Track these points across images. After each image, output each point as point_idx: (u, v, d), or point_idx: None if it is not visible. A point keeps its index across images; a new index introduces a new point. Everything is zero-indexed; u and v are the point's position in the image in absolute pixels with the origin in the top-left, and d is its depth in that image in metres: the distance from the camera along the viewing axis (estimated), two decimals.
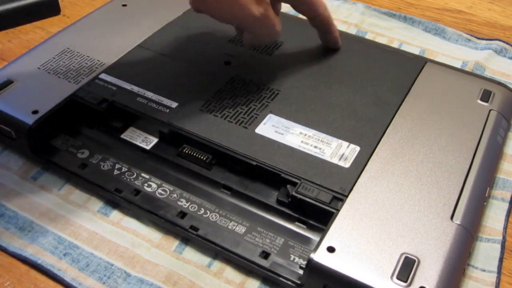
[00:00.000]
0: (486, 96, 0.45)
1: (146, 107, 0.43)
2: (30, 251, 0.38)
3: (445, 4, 0.65)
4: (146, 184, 0.41)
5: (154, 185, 0.41)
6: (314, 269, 0.33)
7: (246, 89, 0.45)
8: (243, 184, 0.40)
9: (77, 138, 0.44)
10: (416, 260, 0.33)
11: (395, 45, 0.57)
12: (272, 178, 0.39)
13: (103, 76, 0.46)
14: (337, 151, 0.40)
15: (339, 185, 0.37)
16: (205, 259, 0.37)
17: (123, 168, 0.42)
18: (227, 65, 0.48)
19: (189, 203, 0.39)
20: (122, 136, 0.44)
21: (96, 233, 0.39)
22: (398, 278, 0.32)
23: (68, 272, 0.36)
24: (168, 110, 0.43)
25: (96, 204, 0.41)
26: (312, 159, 0.39)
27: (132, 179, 0.41)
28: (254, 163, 0.39)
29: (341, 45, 0.51)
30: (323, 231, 0.35)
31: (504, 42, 0.58)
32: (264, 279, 0.36)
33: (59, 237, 0.39)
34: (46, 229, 0.39)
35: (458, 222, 0.35)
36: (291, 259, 0.36)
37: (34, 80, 0.45)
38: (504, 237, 0.39)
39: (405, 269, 0.32)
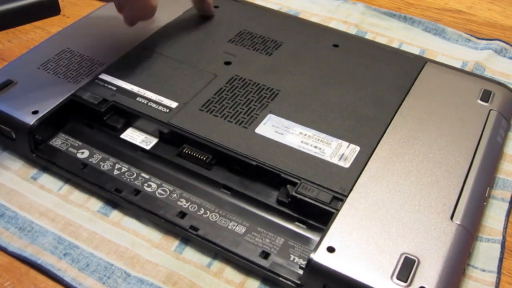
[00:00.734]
0: (486, 96, 0.45)
1: (146, 107, 0.43)
2: (30, 251, 0.38)
3: (445, 4, 0.65)
4: (146, 184, 0.41)
5: (154, 185, 0.41)
6: (314, 269, 0.33)
7: (246, 89, 0.45)
8: (243, 184, 0.40)
9: (77, 138, 0.44)
10: (416, 260, 0.33)
11: (395, 45, 0.57)
12: (272, 178, 0.39)
13: (103, 76, 0.46)
14: (337, 151, 0.40)
15: (339, 185, 0.37)
16: (205, 259, 0.37)
17: (123, 168, 0.42)
18: (227, 65, 0.48)
19: (189, 203, 0.39)
20: (122, 136, 0.44)
21: (96, 233, 0.39)
22: (398, 278, 0.32)
23: (68, 272, 0.36)
24: (168, 110, 0.43)
25: (96, 204, 0.41)
26: (312, 159, 0.39)
27: (132, 179, 0.41)
28: (254, 163, 0.39)
29: (341, 45, 0.51)
30: (323, 231, 0.35)
31: (504, 42, 0.58)
32: (264, 279, 0.36)
33: (59, 237, 0.39)
34: (46, 229, 0.39)
35: (458, 222, 0.35)
36: (291, 259, 0.36)
37: (34, 80, 0.45)
38: (504, 237, 0.39)
39: (405, 269, 0.32)
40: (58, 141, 0.44)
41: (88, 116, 0.44)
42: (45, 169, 0.43)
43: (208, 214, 0.39)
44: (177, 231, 0.38)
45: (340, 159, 0.39)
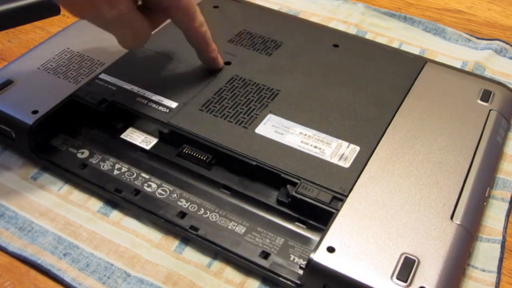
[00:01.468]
0: (486, 96, 0.45)
1: (146, 107, 0.43)
2: (30, 251, 0.38)
3: (445, 4, 0.65)
4: (146, 184, 0.41)
5: (154, 185, 0.41)
6: (314, 269, 0.33)
7: (246, 89, 0.45)
8: (243, 184, 0.40)
9: (77, 138, 0.44)
10: (416, 260, 0.33)
11: (395, 45, 0.57)
12: (272, 178, 0.39)
13: (103, 76, 0.46)
14: (337, 151, 0.40)
15: (339, 185, 0.37)
16: (205, 259, 0.37)
17: (123, 168, 0.42)
18: (227, 65, 0.48)
19: (189, 203, 0.39)
20: (122, 136, 0.44)
21: (96, 233, 0.39)
22: (398, 278, 0.32)
23: (68, 272, 0.36)
24: (168, 110, 0.43)
25: (96, 204, 0.41)
26: (312, 159, 0.39)
27: (132, 179, 0.41)
28: (254, 163, 0.39)
29: (341, 45, 0.51)
30: (323, 231, 0.35)
31: (504, 42, 0.58)
32: (264, 279, 0.36)
33: (59, 237, 0.39)
34: (46, 229, 0.39)
35: (458, 222, 0.35)
36: (291, 259, 0.36)
37: (34, 80, 0.45)
38: (504, 237, 0.39)
39: (405, 269, 0.32)
40: (58, 141, 0.44)
41: (88, 116, 0.44)
42: (45, 169, 0.43)
43: (208, 214, 0.39)
44: (177, 231, 0.38)
45: (340, 159, 0.39)
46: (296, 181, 0.38)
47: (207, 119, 0.42)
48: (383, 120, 0.42)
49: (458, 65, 0.54)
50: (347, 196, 0.36)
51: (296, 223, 0.38)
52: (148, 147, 0.43)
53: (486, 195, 0.39)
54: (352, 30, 0.59)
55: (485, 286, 0.36)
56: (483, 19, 0.62)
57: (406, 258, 0.33)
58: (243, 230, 0.38)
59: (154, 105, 0.43)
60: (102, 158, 0.42)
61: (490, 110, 0.44)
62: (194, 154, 0.41)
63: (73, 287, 0.36)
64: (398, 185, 0.37)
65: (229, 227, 0.38)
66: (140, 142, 0.43)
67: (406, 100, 0.44)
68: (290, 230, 0.38)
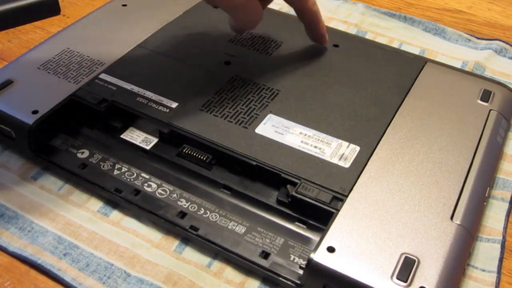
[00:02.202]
0: (486, 96, 0.45)
1: (146, 107, 0.43)
2: (30, 251, 0.38)
3: (445, 4, 0.65)
4: (146, 184, 0.41)
5: (154, 185, 0.41)
6: (314, 269, 0.33)
7: (246, 89, 0.45)
8: (243, 184, 0.40)
9: (77, 138, 0.44)
10: (416, 260, 0.33)
11: (395, 45, 0.57)
12: (272, 178, 0.39)
13: (103, 76, 0.46)
14: (337, 151, 0.40)
15: (339, 185, 0.37)
16: (205, 259, 0.37)
17: (123, 168, 0.42)
18: (227, 65, 0.48)
19: (189, 203, 0.39)
20: (122, 136, 0.44)
21: (96, 233, 0.39)
22: (398, 278, 0.32)
23: (68, 272, 0.36)
24: (168, 110, 0.43)
25: (96, 204, 0.41)
26: (312, 159, 0.39)
27: (132, 179, 0.41)
28: (254, 163, 0.39)
29: (341, 45, 0.51)
30: (323, 231, 0.35)
31: (504, 42, 0.58)
32: (264, 279, 0.36)
33: (59, 237, 0.39)
34: (46, 229, 0.39)
35: (458, 222, 0.35)
36: (291, 259, 0.36)
37: (34, 80, 0.45)
38: (504, 237, 0.39)
39: (405, 269, 0.32)
40: (58, 141, 0.44)
41: (88, 116, 0.44)
42: (45, 169, 0.43)
43: (208, 214, 0.39)
44: (177, 231, 0.38)
45: (340, 159, 0.39)
46: (296, 181, 0.38)
47: (207, 119, 0.42)
48: (383, 120, 0.42)
49: (458, 65, 0.54)
50: (347, 196, 0.36)
51: (296, 223, 0.38)
52: (148, 147, 0.43)
53: (486, 195, 0.39)
54: (352, 30, 0.59)
55: (485, 286, 0.36)
56: (483, 19, 0.62)
57: (406, 258, 0.33)
58: (243, 230, 0.38)
59: (154, 105, 0.43)
60: (102, 158, 0.42)
61: (490, 110, 0.44)
62: (194, 154, 0.41)
63: (73, 287, 0.36)
64: (398, 185, 0.37)
65: (229, 227, 0.38)
66: (140, 142, 0.43)
67: (406, 100, 0.44)
68: (290, 230, 0.38)
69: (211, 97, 0.44)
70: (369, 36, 0.59)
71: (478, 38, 0.58)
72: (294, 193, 0.37)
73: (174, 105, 0.43)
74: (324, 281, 0.33)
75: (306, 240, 0.37)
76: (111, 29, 0.51)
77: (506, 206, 0.42)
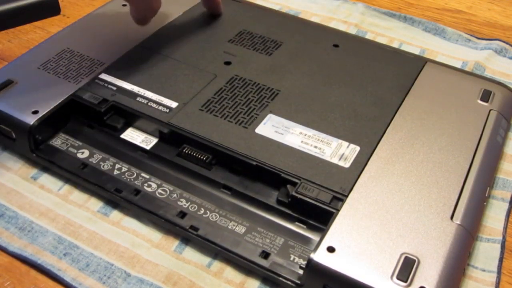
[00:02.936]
0: (486, 96, 0.45)
1: (146, 107, 0.43)
2: (30, 251, 0.38)
3: (445, 4, 0.65)
4: (146, 184, 0.41)
5: (154, 185, 0.41)
6: (314, 269, 0.33)
7: (246, 89, 0.45)
8: (243, 184, 0.40)
9: (77, 138, 0.44)
10: (416, 260, 0.33)
11: (395, 45, 0.57)
12: (272, 178, 0.39)
13: (103, 76, 0.46)
14: (337, 151, 0.40)
15: (339, 185, 0.37)
16: (205, 259, 0.37)
17: (123, 168, 0.42)
18: (227, 65, 0.48)
19: (189, 203, 0.39)
20: (122, 136, 0.44)
21: (96, 233, 0.39)
22: (398, 278, 0.32)
23: (68, 272, 0.36)
24: (168, 110, 0.43)
25: (96, 204, 0.41)
26: (312, 159, 0.39)
27: (132, 179, 0.41)
28: (254, 163, 0.39)
29: (341, 45, 0.51)
30: (323, 231, 0.35)
31: (504, 42, 0.58)
32: (264, 279, 0.36)
33: (59, 237, 0.39)
34: (46, 229, 0.39)
35: (458, 222, 0.35)
36: (291, 259, 0.36)
37: (34, 80, 0.45)
38: (504, 237, 0.39)
39: (405, 269, 0.32)
40: (58, 141, 0.44)
41: (88, 116, 0.44)
42: (45, 169, 0.43)
43: (208, 214, 0.39)
44: (177, 231, 0.38)
45: (340, 159, 0.39)
46: (296, 181, 0.38)
47: (207, 119, 0.42)
48: (383, 120, 0.42)
49: (458, 65, 0.54)
50: (347, 196, 0.36)
51: (296, 223, 0.38)
52: (148, 147, 0.43)
53: (486, 195, 0.39)
54: (352, 30, 0.59)
55: (485, 286, 0.36)
56: (483, 19, 0.62)
57: (406, 258, 0.33)
58: (243, 230, 0.38)
59: (154, 105, 0.43)
60: (102, 158, 0.42)
61: (490, 110, 0.44)
62: (194, 154, 0.41)
63: (73, 287, 0.36)
64: (398, 185, 0.37)
65: (229, 227, 0.38)
66: (140, 142, 0.43)
67: (406, 100, 0.44)
68: (290, 230, 0.38)
69: (211, 97, 0.44)
70: (369, 36, 0.59)
71: (478, 38, 0.58)
72: (294, 193, 0.37)
73: (174, 105, 0.43)
74: (324, 281, 0.33)
75: (306, 240, 0.37)
76: (111, 29, 0.51)
77: (506, 206, 0.42)
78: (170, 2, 0.55)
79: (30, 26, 0.59)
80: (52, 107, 0.43)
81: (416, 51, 0.56)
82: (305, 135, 0.41)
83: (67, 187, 0.42)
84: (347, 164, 0.39)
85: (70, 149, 0.43)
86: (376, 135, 0.41)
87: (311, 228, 0.38)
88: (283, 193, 0.38)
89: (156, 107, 0.43)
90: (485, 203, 0.40)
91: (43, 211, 0.40)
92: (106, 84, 0.45)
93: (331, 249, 0.33)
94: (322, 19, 0.61)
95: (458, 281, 0.35)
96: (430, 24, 0.60)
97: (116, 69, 0.46)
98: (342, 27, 0.59)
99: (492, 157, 0.42)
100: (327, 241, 0.34)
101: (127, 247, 0.38)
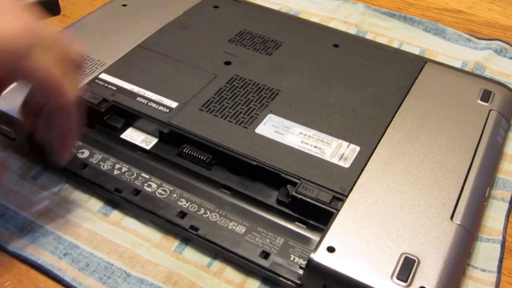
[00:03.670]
0: (486, 96, 0.45)
1: (146, 107, 0.43)
2: (30, 251, 0.38)
3: (445, 4, 0.65)
4: (146, 184, 0.41)
5: (154, 185, 0.41)
6: (314, 269, 0.33)
7: (246, 89, 0.45)
8: (243, 184, 0.40)
9: (77, 138, 0.44)
10: (416, 260, 0.33)
11: (395, 45, 0.57)
12: (272, 178, 0.39)
13: (103, 76, 0.46)
14: (337, 151, 0.40)
15: (339, 185, 0.37)
16: (205, 259, 0.37)
17: (123, 168, 0.42)
18: (227, 65, 0.48)
19: (189, 203, 0.39)
20: (122, 136, 0.44)
21: (96, 233, 0.39)
22: (398, 278, 0.32)
23: (68, 272, 0.36)
24: (168, 110, 0.43)
25: (96, 204, 0.41)
26: (312, 159, 0.39)
27: (132, 179, 0.41)
28: (254, 163, 0.39)
29: (341, 45, 0.51)
30: (323, 231, 0.35)
31: (504, 42, 0.58)
32: (264, 279, 0.36)
33: (59, 237, 0.39)
34: (46, 229, 0.39)
35: (458, 222, 0.35)
36: (291, 259, 0.36)
37: None
38: (504, 237, 0.39)
39: (405, 269, 0.32)
40: None
41: (88, 116, 0.44)
42: (45, 169, 0.43)
43: (208, 214, 0.39)
44: (177, 231, 0.38)
45: (340, 159, 0.39)
46: (296, 181, 0.38)
47: (207, 119, 0.42)
48: (383, 120, 0.42)
49: (458, 65, 0.54)
50: (347, 196, 0.36)
51: (296, 223, 0.38)
52: (148, 147, 0.43)
53: (486, 195, 0.39)
54: (352, 30, 0.59)
55: (485, 286, 0.36)
56: (483, 19, 0.62)
57: (406, 258, 0.33)
58: (243, 230, 0.38)
59: (154, 105, 0.43)
60: (102, 158, 0.42)
61: (490, 110, 0.44)
62: (194, 154, 0.41)
63: (73, 287, 0.36)
64: (398, 185, 0.37)
65: (229, 227, 0.38)
66: (140, 142, 0.43)
67: (406, 100, 0.44)
68: (290, 230, 0.38)
69: (211, 97, 0.44)
70: (369, 36, 0.59)
71: (478, 38, 0.58)
72: (294, 193, 0.37)
73: (174, 105, 0.43)
74: (324, 281, 0.33)
75: (306, 240, 0.37)
76: (111, 29, 0.51)
77: (506, 206, 0.42)
78: (170, 2, 0.55)
79: None
80: None
81: (416, 51, 0.56)
82: (305, 135, 0.41)
83: (67, 187, 0.42)
84: (347, 164, 0.39)
85: None
86: (376, 135, 0.41)
87: (311, 228, 0.38)
88: (283, 193, 0.38)
89: (156, 107, 0.43)
90: (485, 203, 0.40)
91: (43, 211, 0.40)
92: (106, 84, 0.45)
93: (331, 249, 0.33)
94: (322, 19, 0.61)
95: (458, 281, 0.35)
96: (430, 24, 0.60)
97: (116, 69, 0.46)
98: (342, 27, 0.59)
99: (492, 157, 0.42)
100: (327, 241, 0.34)
101: (127, 247, 0.38)
